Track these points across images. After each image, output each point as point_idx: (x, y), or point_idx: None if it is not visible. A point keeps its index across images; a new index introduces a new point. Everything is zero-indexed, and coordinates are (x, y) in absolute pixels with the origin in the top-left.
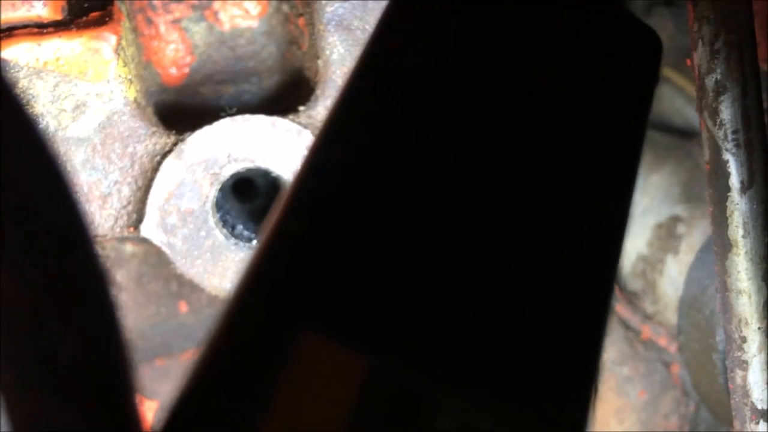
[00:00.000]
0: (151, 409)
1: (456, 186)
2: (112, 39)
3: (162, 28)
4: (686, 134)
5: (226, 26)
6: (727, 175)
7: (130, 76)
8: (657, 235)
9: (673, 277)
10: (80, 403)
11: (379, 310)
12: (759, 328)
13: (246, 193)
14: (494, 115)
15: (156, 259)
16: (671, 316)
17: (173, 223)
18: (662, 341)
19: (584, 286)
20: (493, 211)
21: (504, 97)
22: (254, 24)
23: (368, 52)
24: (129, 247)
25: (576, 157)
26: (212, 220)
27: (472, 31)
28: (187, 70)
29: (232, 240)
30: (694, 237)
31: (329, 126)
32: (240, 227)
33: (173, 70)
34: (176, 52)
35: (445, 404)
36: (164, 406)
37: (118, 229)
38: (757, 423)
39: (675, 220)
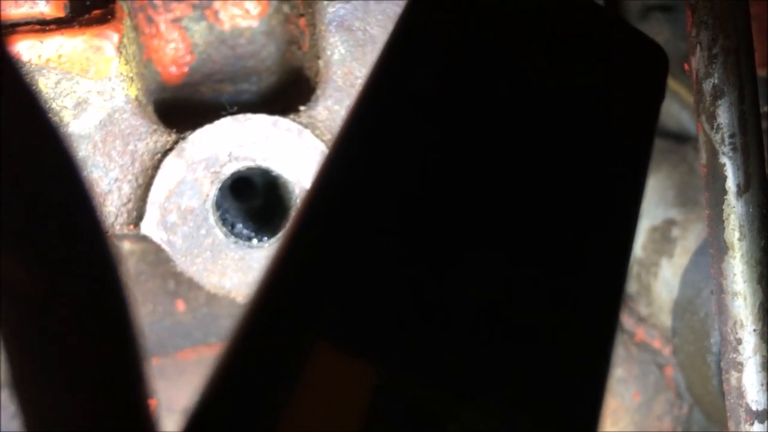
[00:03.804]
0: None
1: (470, 197)
2: (115, 37)
3: (162, 27)
4: (681, 138)
5: (227, 26)
6: (724, 178)
7: (131, 74)
8: (651, 238)
9: (668, 279)
10: (90, 397)
11: (389, 320)
12: (754, 330)
13: (245, 193)
14: (505, 128)
15: (154, 257)
16: (665, 319)
17: (173, 221)
18: (656, 343)
19: (594, 296)
20: (505, 224)
21: (514, 109)
22: (254, 24)
23: (384, 57)
24: (127, 245)
25: (584, 172)
26: (212, 218)
27: (485, 44)
28: (186, 69)
29: (232, 238)
30: (689, 240)
31: (343, 136)
32: (239, 226)
33: (173, 69)
34: (176, 50)
35: (456, 413)
36: (160, 405)
37: (118, 227)
38: (752, 424)
39: (670, 223)
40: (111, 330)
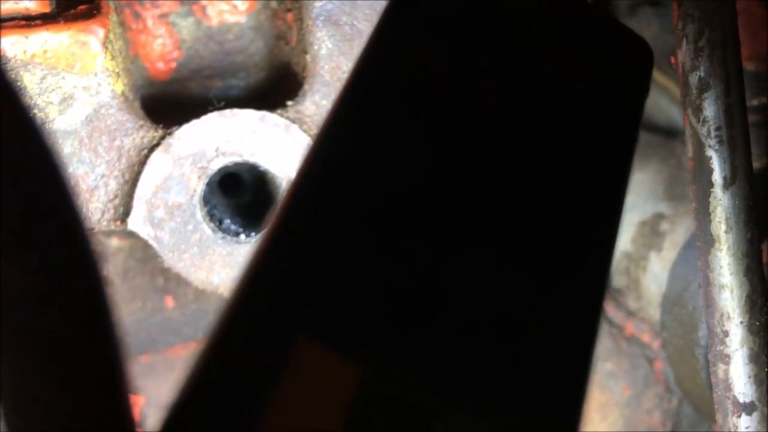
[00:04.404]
0: (137, 405)
1: (455, 191)
2: (100, 32)
3: (149, 23)
4: (670, 133)
5: (214, 21)
6: (710, 171)
7: (117, 70)
8: (640, 232)
9: (657, 273)
10: (78, 395)
11: (373, 317)
12: (741, 323)
13: (232, 188)
14: (489, 120)
15: (142, 254)
16: (654, 313)
17: (160, 216)
18: (645, 337)
19: (576, 296)
20: (491, 223)
21: (497, 103)
22: (242, 19)
23: (369, 48)
24: (115, 242)
25: (567, 167)
26: (200, 213)
27: (467, 38)
28: (174, 64)
29: (220, 234)
30: (678, 234)
31: (327, 129)
32: (227, 221)
33: (160, 65)
34: (163, 46)
35: (440, 411)
36: (151, 402)
37: (104, 223)
38: (739, 416)
39: (658, 217)
40: (93, 329)
